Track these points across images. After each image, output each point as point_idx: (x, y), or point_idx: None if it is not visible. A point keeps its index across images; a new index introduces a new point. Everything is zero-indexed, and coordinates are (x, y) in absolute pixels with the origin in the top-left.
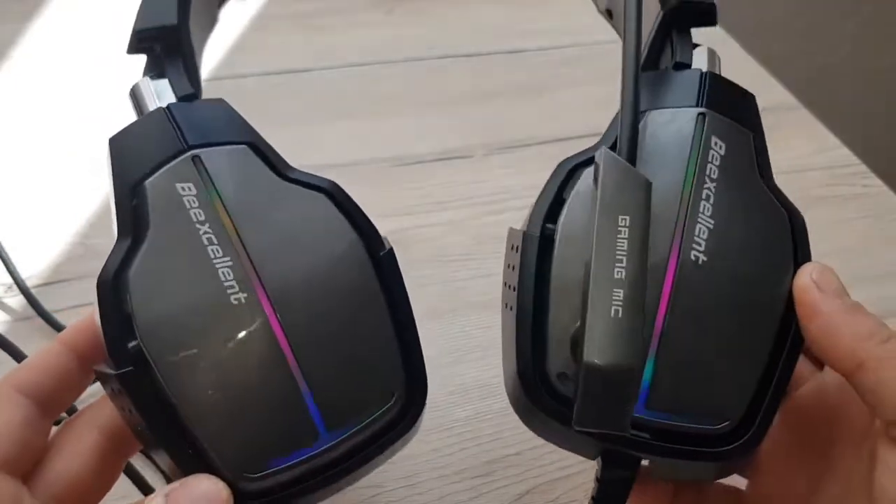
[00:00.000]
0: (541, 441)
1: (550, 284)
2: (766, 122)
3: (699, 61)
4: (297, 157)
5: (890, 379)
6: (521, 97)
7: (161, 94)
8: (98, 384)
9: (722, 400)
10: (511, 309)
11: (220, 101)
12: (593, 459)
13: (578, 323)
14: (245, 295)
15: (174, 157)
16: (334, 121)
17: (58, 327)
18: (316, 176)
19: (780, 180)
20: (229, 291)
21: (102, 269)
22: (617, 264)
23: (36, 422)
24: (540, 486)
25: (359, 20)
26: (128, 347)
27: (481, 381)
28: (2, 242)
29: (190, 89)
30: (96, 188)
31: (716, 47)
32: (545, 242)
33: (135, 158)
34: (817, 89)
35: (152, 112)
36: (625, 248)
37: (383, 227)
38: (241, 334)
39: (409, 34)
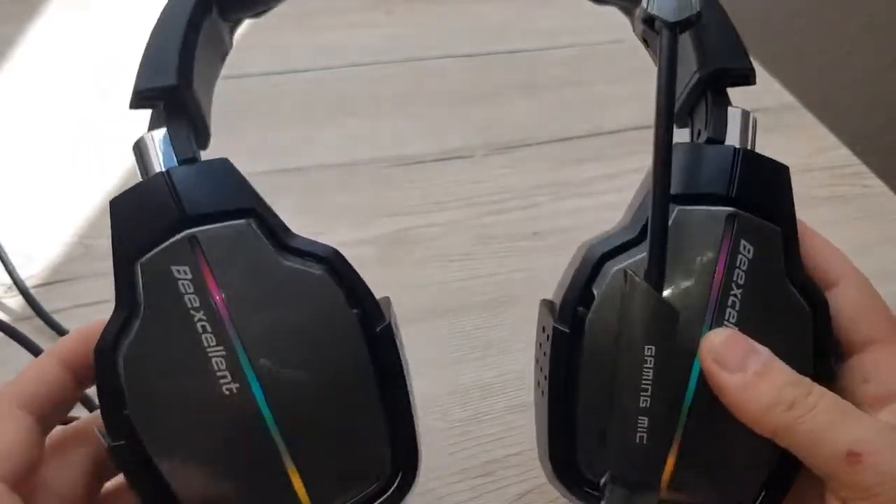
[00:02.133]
0: None
1: (580, 377)
2: (767, 122)
3: (733, 129)
4: (298, 157)
5: (801, 443)
6: (521, 97)
7: (165, 152)
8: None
9: (735, 488)
10: (543, 394)
11: (223, 161)
12: None
13: (606, 420)
14: (237, 385)
15: (171, 232)
16: (334, 121)
17: (57, 328)
18: (317, 244)
19: None
20: (221, 381)
21: (100, 338)
22: (642, 393)
23: (37, 438)
24: (540, 486)
25: (359, 20)
26: (122, 420)
27: (481, 382)
28: (1, 242)
29: (190, 152)
30: (96, 188)
31: None
32: (574, 336)
33: (133, 229)
34: (817, 89)
35: (152, 178)
36: (650, 377)
37: (384, 227)
38: (232, 424)
39: (409, 34)
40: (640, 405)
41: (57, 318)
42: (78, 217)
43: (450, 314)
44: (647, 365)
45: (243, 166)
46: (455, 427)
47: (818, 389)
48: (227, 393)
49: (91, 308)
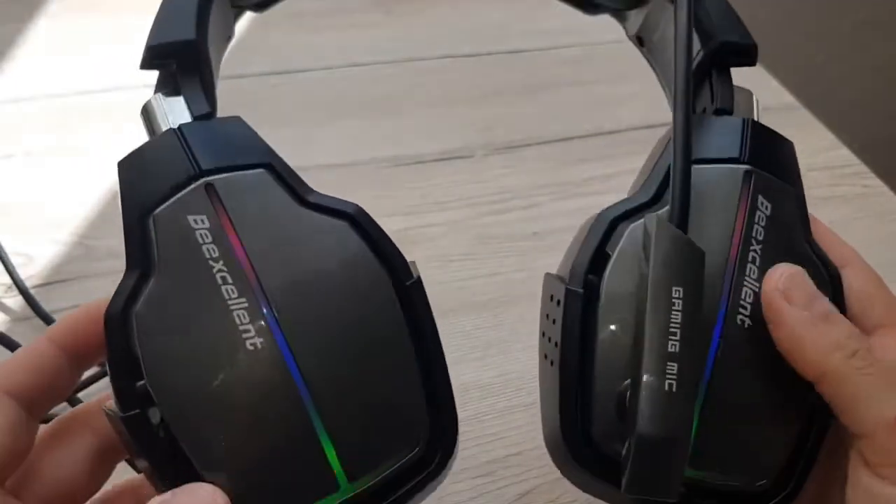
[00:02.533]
0: (542, 441)
1: (596, 342)
2: (766, 121)
3: (739, 104)
4: (298, 157)
5: (849, 395)
6: (521, 97)
7: (174, 112)
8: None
9: (760, 459)
10: (552, 364)
11: (237, 118)
12: None
13: (626, 383)
14: (262, 340)
15: (186, 184)
16: (334, 121)
17: None
18: (339, 200)
19: None
20: (245, 336)
21: (110, 303)
22: (671, 337)
23: (22, 425)
24: (541, 486)
25: (359, 20)
26: (135, 388)
27: (481, 382)
28: (1, 242)
29: (206, 108)
30: (96, 188)
31: None
32: (588, 298)
33: (144, 185)
34: (817, 89)
35: (163, 133)
36: (678, 320)
37: (384, 227)
38: (257, 382)
39: (409, 34)
40: (669, 350)
41: (57, 318)
42: (78, 217)
43: (450, 314)
44: (676, 308)
45: None
46: None
47: (875, 349)
48: (252, 348)
49: (83, 304)
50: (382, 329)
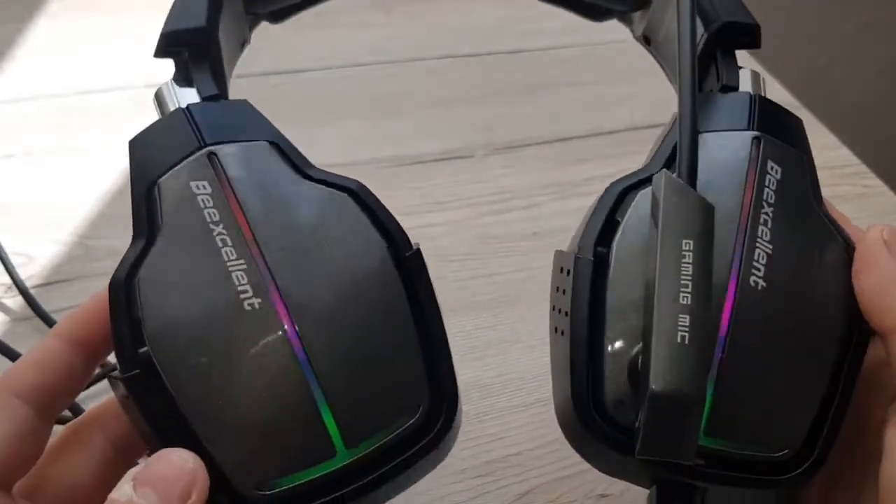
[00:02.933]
0: (542, 441)
1: (606, 309)
2: None
3: (745, 84)
4: None
5: None
6: (521, 97)
7: (185, 97)
8: (101, 384)
9: (781, 427)
10: (563, 334)
11: (243, 101)
12: (647, 488)
13: (637, 348)
14: (259, 300)
15: (190, 154)
16: (334, 121)
17: None
18: (341, 176)
19: None
20: (243, 296)
21: (116, 270)
22: (682, 289)
23: (32, 429)
24: (541, 486)
25: (359, 20)
26: (137, 353)
27: (482, 382)
28: (1, 242)
29: (214, 90)
30: (96, 188)
31: None
32: (599, 265)
33: (152, 158)
34: (817, 89)
35: (172, 112)
36: (689, 272)
37: None
38: (254, 342)
39: (409, 34)
40: (681, 302)
41: (57, 318)
42: (78, 217)
43: (450, 314)
44: (686, 260)
45: None
46: None
47: None
48: (249, 308)
49: (90, 298)
50: (381, 297)
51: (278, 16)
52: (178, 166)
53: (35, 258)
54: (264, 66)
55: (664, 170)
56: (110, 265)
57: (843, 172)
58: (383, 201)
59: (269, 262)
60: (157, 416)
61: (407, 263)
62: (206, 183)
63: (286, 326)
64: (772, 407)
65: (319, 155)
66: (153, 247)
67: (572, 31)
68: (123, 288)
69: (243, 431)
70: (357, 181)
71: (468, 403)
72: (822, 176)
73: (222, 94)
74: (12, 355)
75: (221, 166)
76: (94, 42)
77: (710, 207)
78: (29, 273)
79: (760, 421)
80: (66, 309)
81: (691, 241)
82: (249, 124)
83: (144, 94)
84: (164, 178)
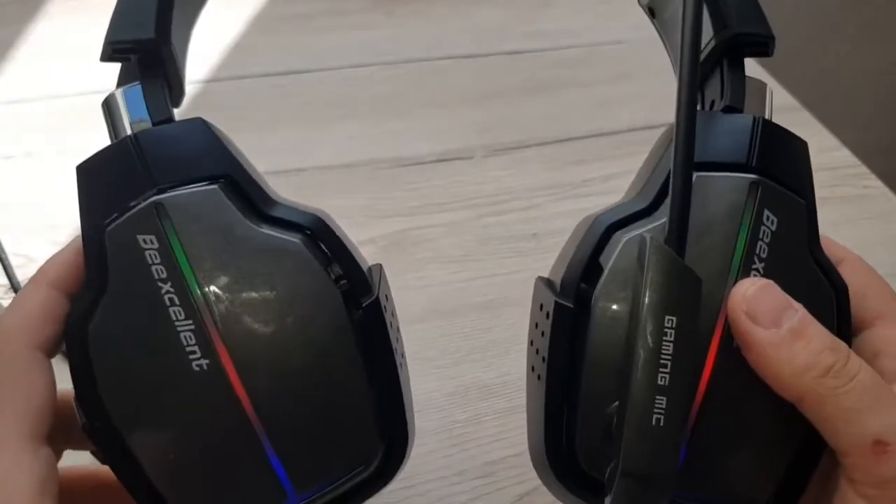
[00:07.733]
0: None
1: (584, 359)
2: None
3: (751, 99)
4: (298, 158)
5: (828, 416)
6: (521, 97)
7: (135, 109)
8: None
9: (751, 485)
10: (539, 378)
11: (198, 121)
12: None
13: (612, 407)
14: (207, 361)
15: (138, 200)
16: (334, 122)
17: None
18: (300, 211)
19: None
20: (191, 357)
21: (69, 316)
22: (661, 369)
23: (54, 381)
24: (541, 487)
25: (359, 21)
26: (95, 400)
27: (481, 383)
28: (1, 243)
29: (165, 113)
30: None
31: None
32: (579, 313)
33: (101, 194)
34: (817, 89)
35: (119, 142)
36: (670, 351)
37: (383, 228)
38: (203, 401)
39: (409, 35)
40: (659, 383)
41: None
42: (78, 218)
43: (450, 315)
44: (668, 338)
45: None
46: (455, 428)
47: (855, 359)
48: (197, 369)
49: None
50: (333, 349)
51: None
52: (126, 216)
53: (35, 259)
54: (264, 67)
55: (652, 236)
56: None
57: (844, 173)
58: (383, 202)
59: (218, 321)
60: (116, 460)
61: (363, 314)
62: (153, 238)
63: (234, 385)
64: (743, 465)
65: (319, 156)
66: (103, 298)
67: (573, 31)
68: (78, 337)
69: (195, 481)
70: (317, 216)
71: (468, 404)
72: (823, 176)
73: (176, 101)
74: None
75: (169, 219)
76: (93, 43)
77: (698, 282)
78: (28, 274)
79: (731, 478)
80: None
81: (675, 319)
82: (204, 153)
83: None
84: (111, 227)
